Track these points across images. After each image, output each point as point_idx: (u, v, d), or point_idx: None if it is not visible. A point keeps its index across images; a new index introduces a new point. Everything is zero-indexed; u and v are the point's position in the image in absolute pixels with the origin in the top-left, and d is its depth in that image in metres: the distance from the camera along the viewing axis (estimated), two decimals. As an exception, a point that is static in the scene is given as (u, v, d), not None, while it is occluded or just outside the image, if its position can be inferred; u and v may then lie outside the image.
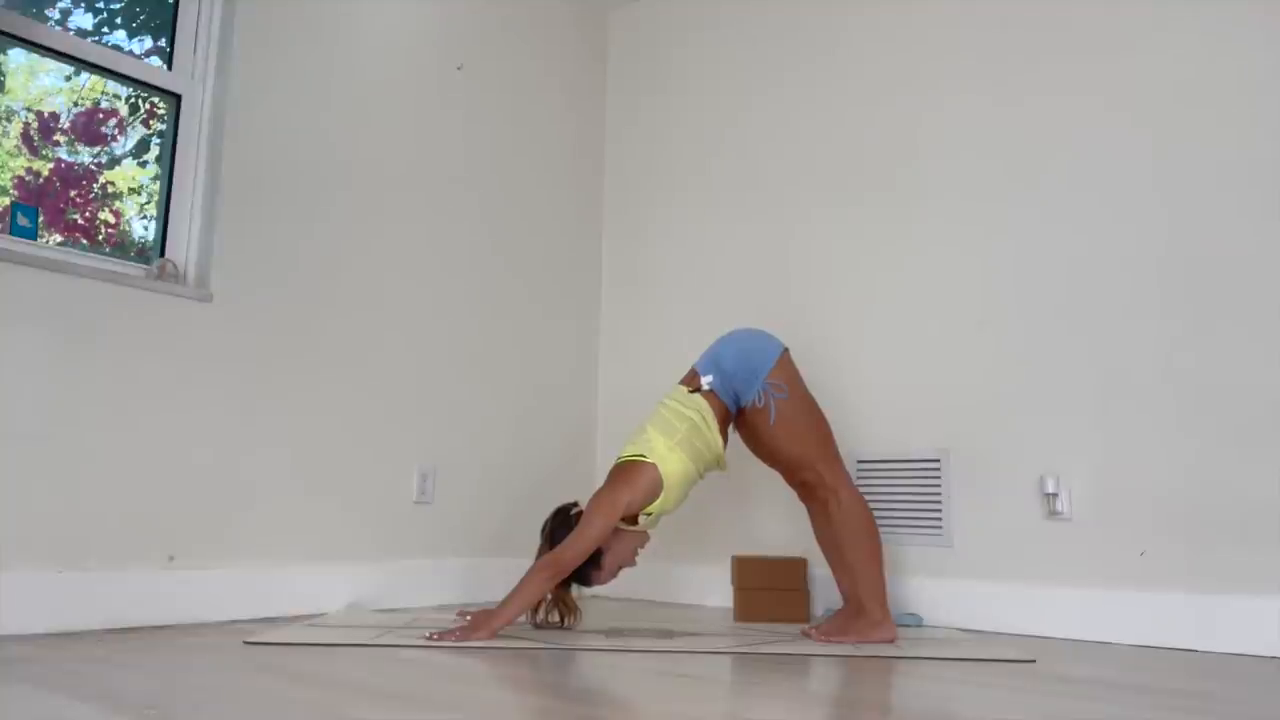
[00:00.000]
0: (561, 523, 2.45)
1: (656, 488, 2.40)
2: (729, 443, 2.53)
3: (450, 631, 2.21)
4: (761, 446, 2.53)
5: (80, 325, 2.31)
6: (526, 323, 3.46)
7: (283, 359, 2.71)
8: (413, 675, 1.80)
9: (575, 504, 2.51)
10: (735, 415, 2.53)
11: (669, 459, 2.41)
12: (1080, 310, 2.67)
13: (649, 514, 2.44)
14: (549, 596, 2.44)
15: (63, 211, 2.53)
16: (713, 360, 2.52)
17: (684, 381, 2.55)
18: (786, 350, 2.54)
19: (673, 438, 2.43)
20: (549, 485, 3.33)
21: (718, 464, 2.52)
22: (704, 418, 2.45)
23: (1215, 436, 2.43)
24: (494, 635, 2.22)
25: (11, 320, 2.19)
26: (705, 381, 2.48)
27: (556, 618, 2.47)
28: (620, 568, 2.52)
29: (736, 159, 3.50)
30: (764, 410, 2.44)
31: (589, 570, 2.44)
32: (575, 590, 2.51)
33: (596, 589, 2.63)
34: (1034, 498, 2.67)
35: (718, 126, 3.58)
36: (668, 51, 3.81)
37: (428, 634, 2.20)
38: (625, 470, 2.42)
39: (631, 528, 2.47)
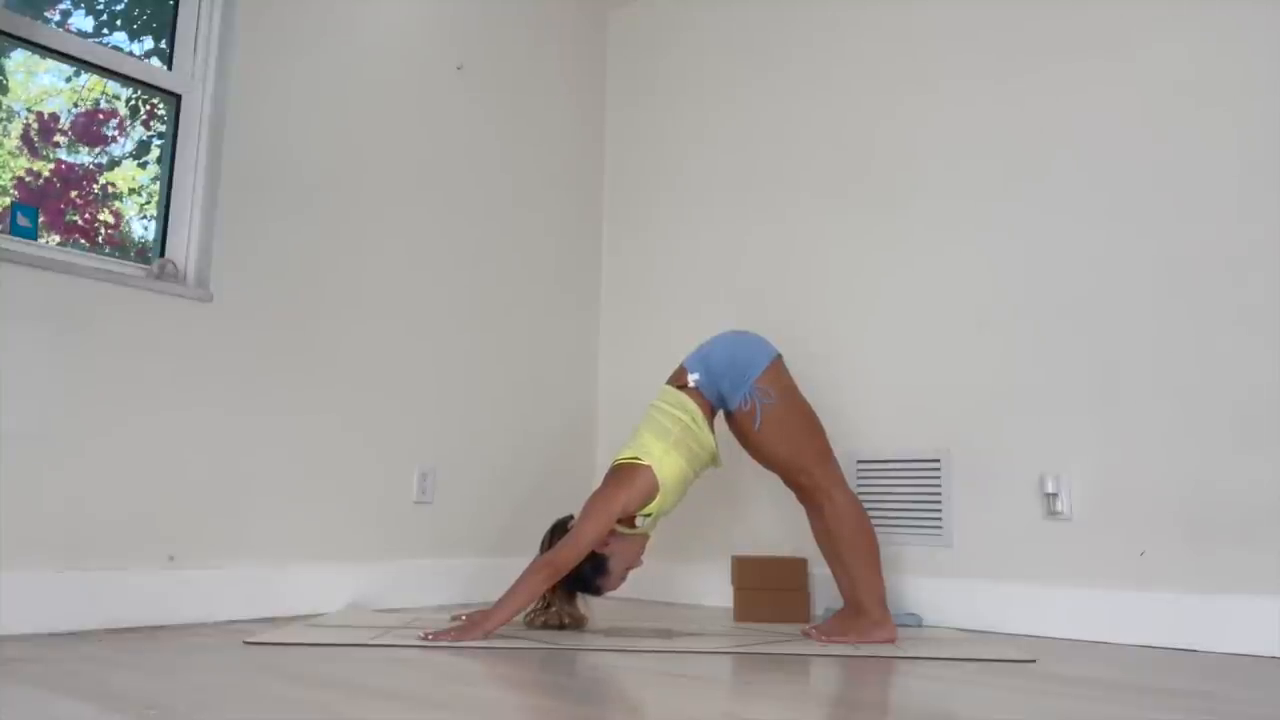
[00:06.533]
0: (560, 535, 2.42)
1: (653, 490, 2.39)
2: (721, 437, 2.53)
3: (446, 631, 2.21)
4: (751, 450, 2.53)
5: (80, 325, 2.31)
6: (526, 322, 3.46)
7: (283, 359, 2.71)
8: (412, 675, 1.80)
9: (571, 516, 2.49)
10: (725, 417, 2.54)
11: (665, 461, 2.40)
12: (1080, 310, 2.66)
13: (647, 515, 2.44)
14: (554, 609, 2.43)
15: (63, 213, 2.53)
16: (701, 359, 2.52)
17: (671, 379, 2.56)
18: (779, 356, 2.54)
19: (667, 440, 2.43)
20: (549, 485, 3.34)
21: (713, 461, 2.53)
22: (694, 418, 2.45)
23: (1215, 436, 2.43)
24: (489, 635, 2.22)
25: (11, 320, 2.19)
26: (691, 379, 2.48)
27: (557, 623, 2.44)
28: (628, 570, 2.51)
29: (736, 158, 3.50)
30: (749, 415, 2.44)
31: (598, 578, 2.43)
32: (583, 601, 2.49)
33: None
34: (1034, 498, 2.67)
35: (717, 126, 3.57)
36: (668, 51, 3.81)
37: (423, 634, 2.20)
38: (621, 473, 2.42)
39: (632, 531, 2.46)
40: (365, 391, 2.90)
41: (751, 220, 3.41)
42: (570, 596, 2.45)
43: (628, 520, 2.44)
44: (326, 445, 2.78)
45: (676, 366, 2.58)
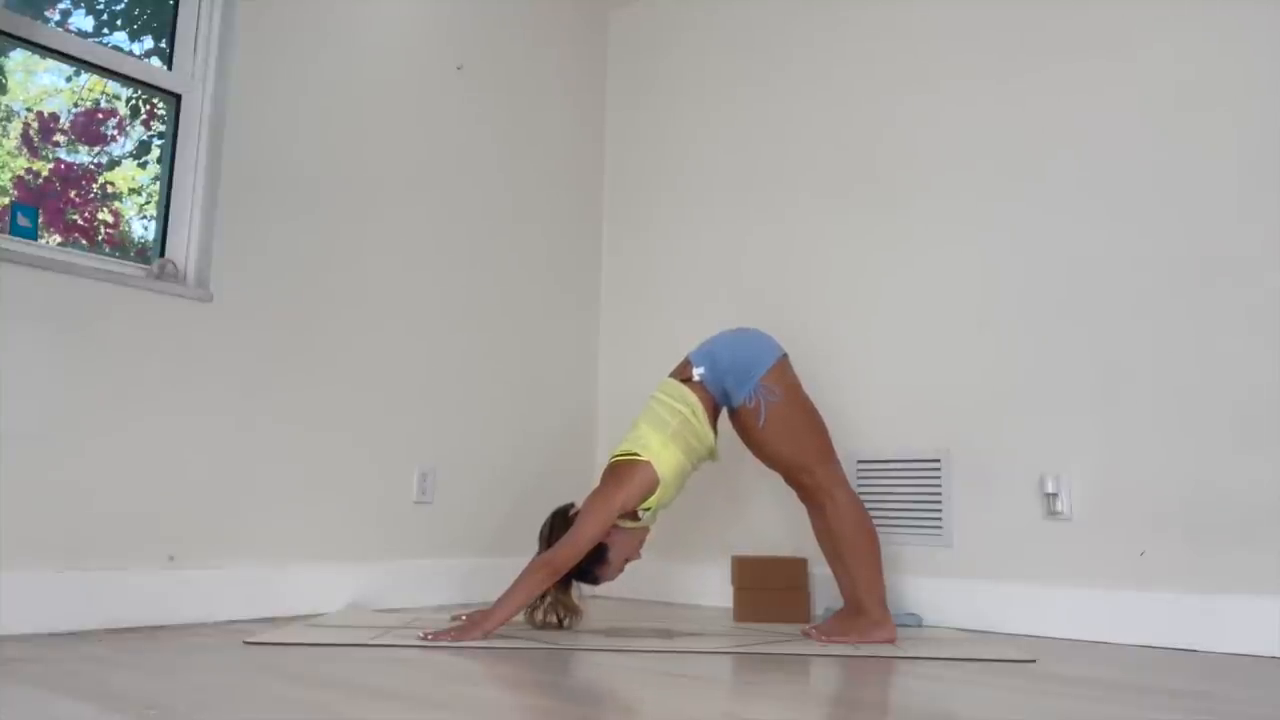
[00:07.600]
0: (561, 525, 2.44)
1: (652, 484, 2.39)
2: (719, 433, 2.54)
3: (445, 631, 2.21)
4: (755, 448, 2.53)
5: (80, 325, 2.31)
6: (527, 322, 3.46)
7: (283, 359, 2.71)
8: (412, 675, 1.80)
9: (572, 505, 2.50)
10: (729, 414, 2.54)
11: (663, 455, 2.41)
12: (1080, 310, 2.66)
13: (647, 509, 2.44)
14: (549, 599, 2.44)
15: (62, 212, 2.53)
16: (707, 353, 2.52)
17: (675, 371, 2.56)
18: (785, 355, 2.54)
19: (665, 432, 2.43)
20: (549, 484, 3.33)
21: (710, 455, 2.53)
22: (694, 411, 2.45)
23: (1215, 436, 2.43)
24: (488, 635, 2.22)
25: (12, 320, 2.19)
26: (696, 373, 2.48)
27: (555, 619, 2.46)
28: (627, 561, 2.52)
29: (737, 158, 3.49)
30: (754, 412, 2.44)
31: (596, 568, 2.44)
32: (577, 591, 2.50)
33: (595, 588, 2.62)
34: (1034, 498, 2.67)
35: (718, 126, 3.57)
36: (668, 51, 3.81)
37: (422, 634, 2.21)
38: (619, 469, 2.42)
39: (632, 524, 2.47)
40: (365, 391, 2.90)
41: (752, 220, 3.41)
42: (566, 587, 2.46)
43: (628, 515, 2.44)
44: (327, 445, 2.78)
45: (683, 359, 2.58)
